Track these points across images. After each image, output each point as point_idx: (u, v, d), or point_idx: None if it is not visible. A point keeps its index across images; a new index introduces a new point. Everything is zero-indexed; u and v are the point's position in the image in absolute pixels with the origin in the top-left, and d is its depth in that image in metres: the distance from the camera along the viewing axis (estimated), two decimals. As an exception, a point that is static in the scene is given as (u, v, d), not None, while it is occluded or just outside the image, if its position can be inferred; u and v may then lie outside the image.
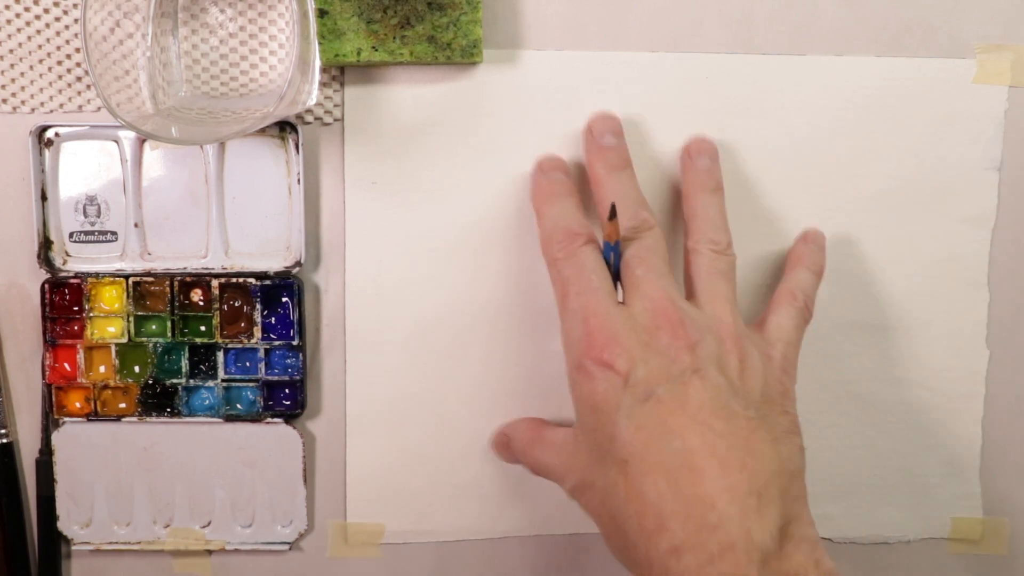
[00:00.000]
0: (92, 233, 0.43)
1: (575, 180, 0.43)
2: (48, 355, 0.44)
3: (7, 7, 0.42)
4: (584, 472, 0.38)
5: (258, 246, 0.44)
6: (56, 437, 0.44)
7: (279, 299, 0.44)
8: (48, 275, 0.43)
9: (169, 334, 0.44)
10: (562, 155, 0.43)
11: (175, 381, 0.44)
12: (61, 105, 0.43)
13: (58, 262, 0.43)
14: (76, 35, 0.42)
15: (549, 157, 0.43)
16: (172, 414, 0.44)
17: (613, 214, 0.38)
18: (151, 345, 0.44)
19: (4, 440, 0.44)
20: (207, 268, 0.43)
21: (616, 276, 0.40)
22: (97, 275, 0.43)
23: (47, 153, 0.43)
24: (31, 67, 0.42)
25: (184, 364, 0.44)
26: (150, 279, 0.43)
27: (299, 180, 0.42)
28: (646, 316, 0.37)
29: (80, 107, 0.43)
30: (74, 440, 0.44)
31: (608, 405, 0.36)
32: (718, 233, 0.41)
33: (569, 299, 0.38)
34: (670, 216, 0.44)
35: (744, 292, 0.44)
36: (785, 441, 0.37)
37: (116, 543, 0.45)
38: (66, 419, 0.44)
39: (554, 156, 0.43)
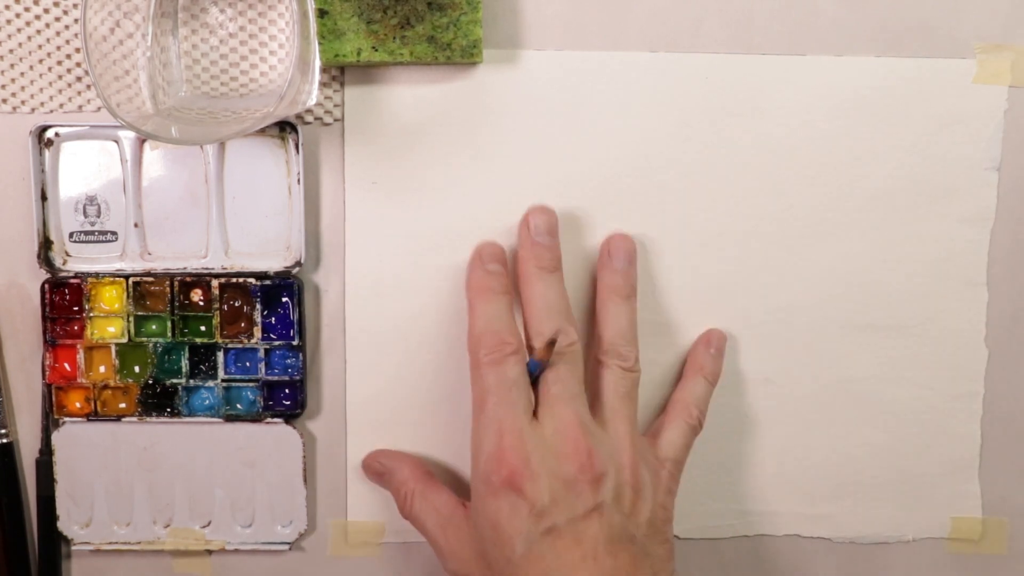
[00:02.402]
0: (92, 233, 0.43)
1: (511, 273, 0.43)
2: (48, 355, 0.44)
3: (7, 7, 0.42)
4: (469, 567, 0.40)
5: (258, 246, 0.44)
6: (56, 437, 0.44)
7: (279, 299, 0.44)
8: (48, 275, 0.43)
9: (169, 334, 0.44)
10: (560, 159, 0.43)
11: (175, 381, 0.44)
12: (61, 105, 0.43)
13: (58, 262, 0.43)
14: (76, 35, 0.42)
15: (489, 244, 0.43)
16: (172, 414, 0.44)
17: (553, 342, 0.39)
18: (151, 345, 0.44)
19: (4, 440, 0.44)
20: (207, 268, 0.43)
21: (534, 382, 0.40)
22: (97, 275, 0.43)
23: (47, 153, 0.43)
24: (31, 67, 0.42)
25: (184, 364, 0.44)
26: (150, 279, 0.43)
27: (299, 180, 0.42)
28: (557, 439, 0.39)
29: (80, 107, 0.43)
30: (74, 440, 0.44)
31: (510, 528, 0.38)
32: (627, 347, 0.42)
33: (487, 407, 0.39)
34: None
35: (750, 289, 0.44)
36: (662, 572, 0.39)
37: (116, 543, 0.45)
38: (66, 419, 0.44)
39: (494, 244, 0.43)
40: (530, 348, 0.41)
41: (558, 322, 0.41)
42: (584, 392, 0.41)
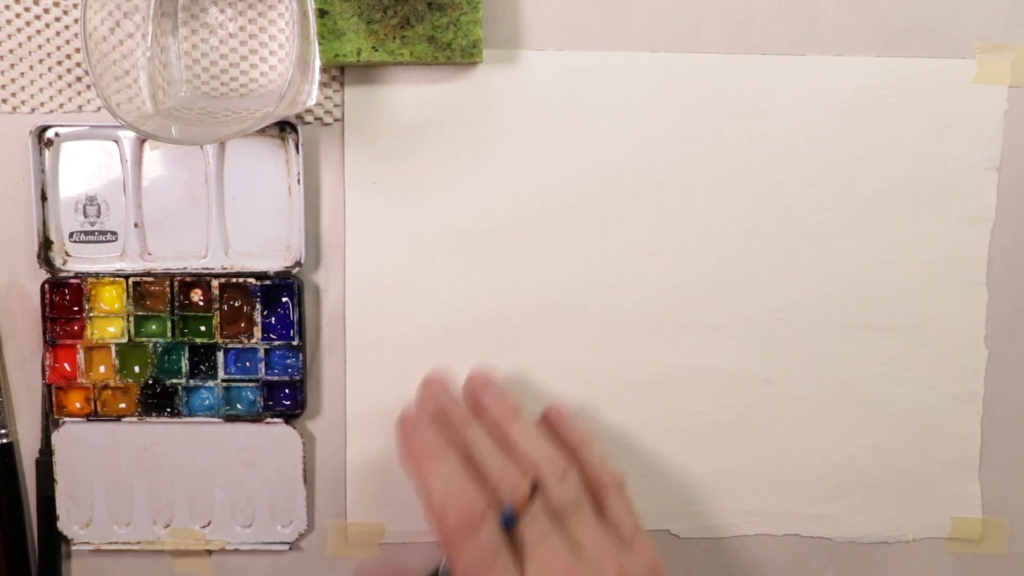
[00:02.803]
0: (92, 233, 0.43)
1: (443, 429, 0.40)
2: (48, 355, 0.43)
3: (7, 7, 0.42)
4: None
5: (258, 246, 0.44)
6: (56, 437, 0.44)
7: (279, 299, 0.44)
8: (48, 275, 0.43)
9: (169, 334, 0.44)
10: (560, 159, 0.43)
11: (175, 381, 0.44)
12: (61, 105, 0.43)
13: (58, 262, 0.43)
14: (76, 35, 0.42)
15: (406, 413, 0.40)
16: (172, 414, 0.44)
17: (534, 490, 0.37)
18: (151, 345, 0.44)
19: (4, 440, 0.44)
20: (207, 268, 0.43)
21: (509, 523, 0.37)
22: (97, 275, 0.43)
23: (47, 153, 0.43)
24: (31, 67, 0.42)
25: (184, 364, 0.44)
26: (150, 279, 0.43)
27: (299, 180, 0.42)
28: None
29: (80, 107, 0.43)
30: (74, 440, 0.44)
31: None
32: (547, 459, 0.39)
33: None
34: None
35: (750, 289, 0.44)
36: None
37: (116, 543, 0.45)
38: (66, 419, 0.44)
39: (409, 412, 0.41)
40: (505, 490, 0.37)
41: (543, 452, 0.39)
42: (554, 518, 0.38)
